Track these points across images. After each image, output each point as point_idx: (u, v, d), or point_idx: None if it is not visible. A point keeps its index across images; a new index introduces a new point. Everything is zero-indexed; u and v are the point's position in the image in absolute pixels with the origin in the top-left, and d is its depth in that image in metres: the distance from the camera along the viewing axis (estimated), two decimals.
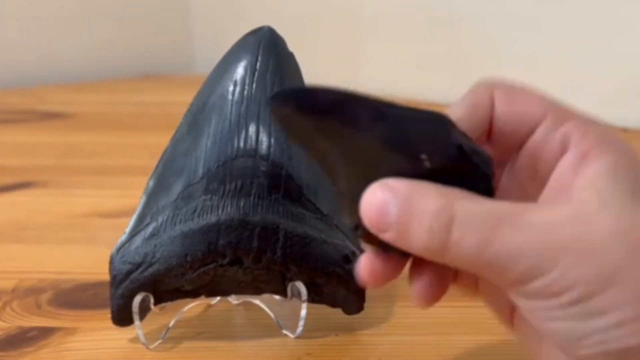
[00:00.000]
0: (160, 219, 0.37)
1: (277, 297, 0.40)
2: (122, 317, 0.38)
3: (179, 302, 0.39)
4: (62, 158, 0.84)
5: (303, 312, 0.38)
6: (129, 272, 0.37)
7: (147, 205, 0.38)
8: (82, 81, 1.44)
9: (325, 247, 0.37)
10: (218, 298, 0.43)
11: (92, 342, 0.39)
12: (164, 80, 1.46)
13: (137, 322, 0.37)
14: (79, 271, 0.49)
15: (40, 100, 1.26)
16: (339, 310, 0.39)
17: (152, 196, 0.38)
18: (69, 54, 1.49)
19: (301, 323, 0.39)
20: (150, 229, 0.37)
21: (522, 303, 0.26)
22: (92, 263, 0.49)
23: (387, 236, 0.26)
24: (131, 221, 0.38)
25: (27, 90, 1.33)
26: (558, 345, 0.26)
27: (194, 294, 0.38)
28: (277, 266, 0.36)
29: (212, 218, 0.36)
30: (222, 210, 0.36)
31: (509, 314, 0.30)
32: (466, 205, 0.25)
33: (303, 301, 0.38)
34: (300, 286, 0.37)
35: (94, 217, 0.61)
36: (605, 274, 0.24)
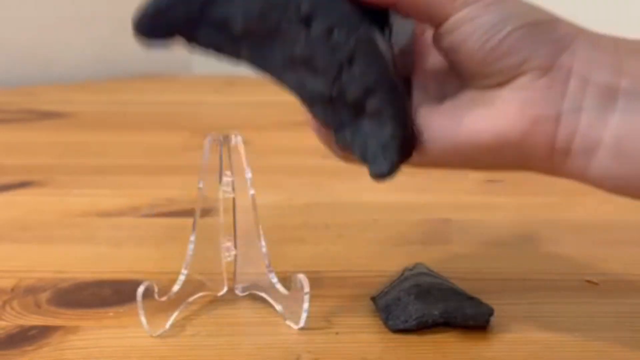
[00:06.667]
0: None
1: (281, 290, 0.40)
2: (154, 24, 0.35)
3: (183, 292, 0.39)
4: (60, 157, 0.84)
5: (306, 305, 0.39)
6: None
7: None
8: (80, 81, 1.44)
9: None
10: (225, 290, 0.43)
11: (93, 340, 0.39)
12: (162, 80, 1.47)
13: (140, 310, 0.38)
14: (79, 270, 0.49)
15: (39, 99, 1.26)
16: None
17: None
18: (66, 54, 1.49)
19: (304, 315, 0.39)
20: None
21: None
22: (92, 262, 0.49)
23: None
24: None
25: (25, 90, 1.34)
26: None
27: (235, 44, 0.34)
28: (342, 50, 0.33)
29: None
30: None
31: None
32: None
33: (305, 294, 0.39)
34: (303, 279, 0.38)
35: (92, 216, 0.61)
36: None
